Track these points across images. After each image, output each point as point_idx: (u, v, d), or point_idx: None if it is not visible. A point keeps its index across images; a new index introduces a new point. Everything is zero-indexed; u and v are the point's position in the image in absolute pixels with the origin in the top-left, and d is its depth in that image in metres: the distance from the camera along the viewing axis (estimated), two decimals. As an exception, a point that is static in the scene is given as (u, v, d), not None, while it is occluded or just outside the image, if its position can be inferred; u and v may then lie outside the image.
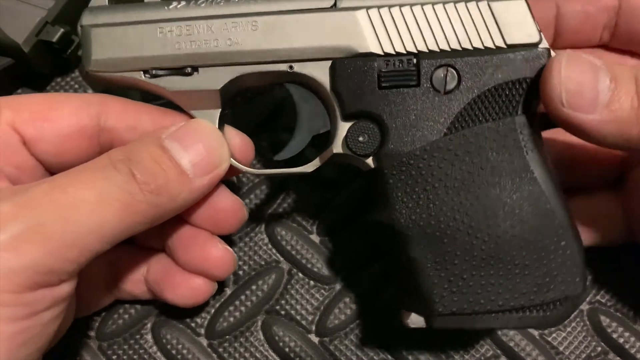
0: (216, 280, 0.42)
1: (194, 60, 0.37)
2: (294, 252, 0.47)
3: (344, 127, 0.38)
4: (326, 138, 0.39)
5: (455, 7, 0.36)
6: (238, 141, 0.41)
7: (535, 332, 0.45)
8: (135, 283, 0.43)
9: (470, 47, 0.36)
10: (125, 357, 0.45)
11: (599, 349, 0.44)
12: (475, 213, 0.35)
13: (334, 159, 0.39)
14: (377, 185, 0.37)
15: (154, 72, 0.38)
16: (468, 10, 0.36)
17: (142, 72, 0.38)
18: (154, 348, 0.45)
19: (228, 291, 0.46)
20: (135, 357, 0.45)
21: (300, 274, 0.46)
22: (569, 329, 0.45)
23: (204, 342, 0.45)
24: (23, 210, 0.31)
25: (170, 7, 0.38)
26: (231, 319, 0.45)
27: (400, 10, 0.36)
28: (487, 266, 0.35)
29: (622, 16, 0.41)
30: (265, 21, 0.37)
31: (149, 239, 0.43)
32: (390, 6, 0.36)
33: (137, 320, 0.45)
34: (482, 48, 0.36)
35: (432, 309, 0.36)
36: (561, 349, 0.44)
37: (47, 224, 0.31)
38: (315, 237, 0.47)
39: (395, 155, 0.36)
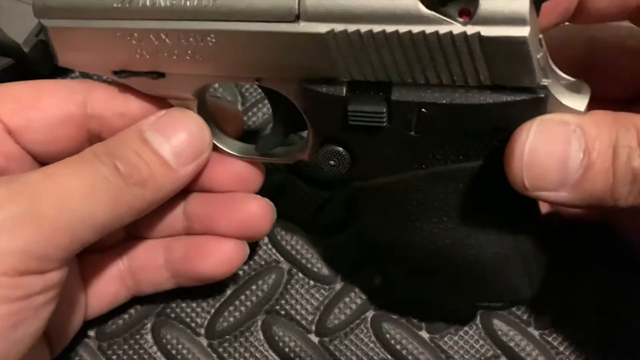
0: (254, 240, 0.44)
1: (157, 68, 0.35)
2: (294, 252, 0.47)
3: (315, 143, 0.36)
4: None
5: (438, 34, 0.29)
6: (225, 114, 0.41)
7: (536, 332, 0.45)
8: (156, 270, 0.43)
9: (450, 83, 0.30)
10: (125, 357, 0.45)
11: (600, 349, 0.44)
12: (433, 241, 0.36)
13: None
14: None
15: (122, 74, 0.37)
16: (453, 40, 0.29)
17: (111, 73, 0.37)
18: (154, 348, 0.45)
19: (228, 291, 0.46)
20: (135, 357, 0.45)
21: (300, 274, 0.46)
22: (569, 329, 0.45)
23: (204, 342, 0.45)
24: (18, 195, 0.32)
25: (119, 3, 0.33)
26: (231, 319, 0.45)
27: (372, 33, 0.30)
28: (444, 278, 0.38)
29: None
30: (222, 36, 0.32)
31: (168, 228, 0.43)
32: (360, 25, 0.30)
33: (137, 320, 0.45)
34: (464, 85, 0.30)
35: (393, 290, 0.43)
36: (561, 349, 0.44)
37: (42, 210, 0.31)
38: (315, 237, 0.47)
39: (363, 180, 0.36)
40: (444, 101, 0.31)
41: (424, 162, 0.33)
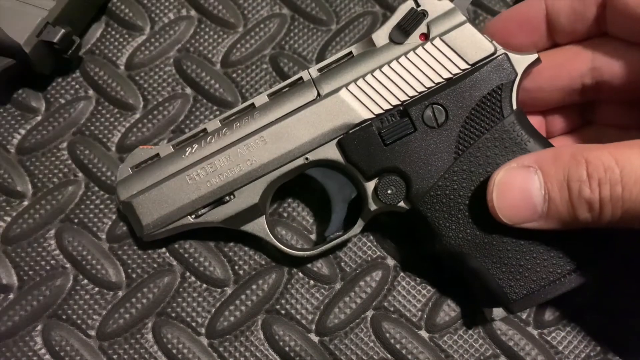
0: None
1: (227, 189, 0.43)
2: (294, 252, 0.47)
3: (370, 186, 0.42)
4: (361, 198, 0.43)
5: (416, 53, 0.41)
6: None
7: (535, 332, 0.45)
8: None
9: (442, 80, 0.41)
10: (126, 356, 0.45)
11: (599, 348, 0.44)
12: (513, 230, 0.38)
13: (374, 214, 0.43)
14: (418, 222, 0.42)
15: (199, 212, 0.43)
16: (427, 51, 0.41)
17: (189, 216, 0.43)
18: (155, 347, 0.45)
19: (228, 291, 0.46)
20: (136, 356, 0.45)
21: (300, 274, 0.47)
22: (568, 329, 0.45)
23: (205, 341, 0.45)
24: None
25: (187, 154, 0.43)
26: (231, 319, 0.46)
27: (373, 76, 0.41)
28: (533, 247, 0.39)
29: (609, 8, 0.40)
30: (270, 133, 0.42)
31: None
32: (363, 76, 0.41)
33: (137, 319, 0.46)
34: (452, 76, 0.41)
35: (507, 299, 0.40)
36: (560, 348, 0.44)
37: None
38: (315, 237, 0.47)
39: (423, 193, 0.41)
40: (446, 90, 0.41)
41: (459, 148, 0.40)
